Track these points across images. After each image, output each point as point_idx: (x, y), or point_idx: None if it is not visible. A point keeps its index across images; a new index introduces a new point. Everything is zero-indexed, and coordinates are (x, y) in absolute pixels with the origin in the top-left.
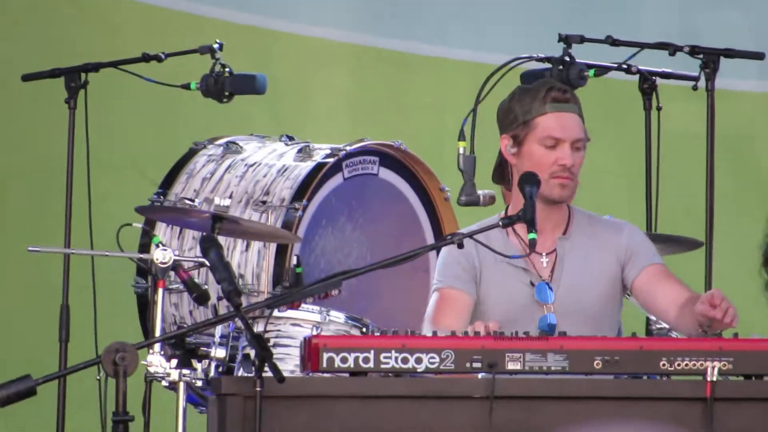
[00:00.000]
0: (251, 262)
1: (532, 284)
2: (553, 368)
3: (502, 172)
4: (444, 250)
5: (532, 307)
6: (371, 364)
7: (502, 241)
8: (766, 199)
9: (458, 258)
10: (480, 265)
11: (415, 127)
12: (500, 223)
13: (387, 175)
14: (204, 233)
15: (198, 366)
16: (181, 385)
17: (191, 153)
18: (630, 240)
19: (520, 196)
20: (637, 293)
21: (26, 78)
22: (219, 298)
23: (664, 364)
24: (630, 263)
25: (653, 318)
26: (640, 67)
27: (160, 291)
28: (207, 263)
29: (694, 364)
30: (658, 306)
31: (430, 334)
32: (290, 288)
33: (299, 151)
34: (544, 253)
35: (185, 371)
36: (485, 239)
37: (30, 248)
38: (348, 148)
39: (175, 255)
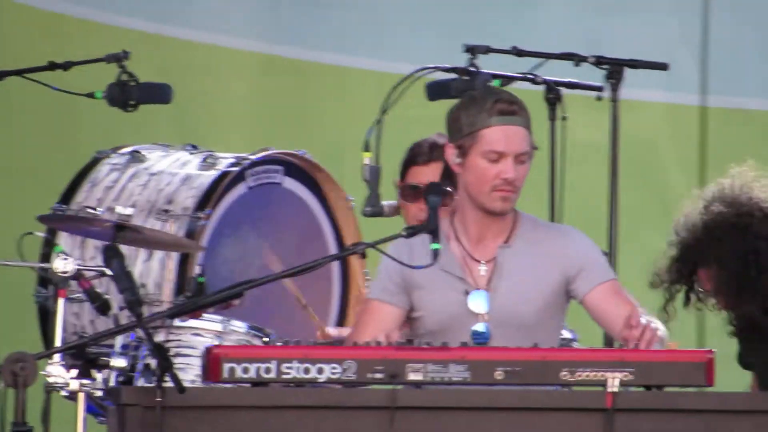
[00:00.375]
0: (153, 271)
1: (467, 293)
2: (454, 379)
3: (449, 178)
4: (382, 261)
5: (467, 316)
6: (273, 375)
7: (442, 248)
8: (669, 209)
9: (389, 269)
10: (411, 274)
11: (319, 136)
12: (404, 233)
13: (291, 184)
14: (106, 243)
15: (98, 376)
16: (81, 396)
17: (94, 162)
18: (579, 253)
19: (466, 202)
20: (588, 308)
21: None
22: (121, 308)
23: (565, 375)
24: (580, 278)
25: None
26: (545, 78)
27: (61, 301)
28: (109, 273)
29: (596, 375)
30: (609, 323)
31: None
32: (192, 298)
33: (203, 160)
34: (483, 261)
35: (85, 381)
36: (424, 245)
37: None
38: (252, 157)
39: (76, 264)
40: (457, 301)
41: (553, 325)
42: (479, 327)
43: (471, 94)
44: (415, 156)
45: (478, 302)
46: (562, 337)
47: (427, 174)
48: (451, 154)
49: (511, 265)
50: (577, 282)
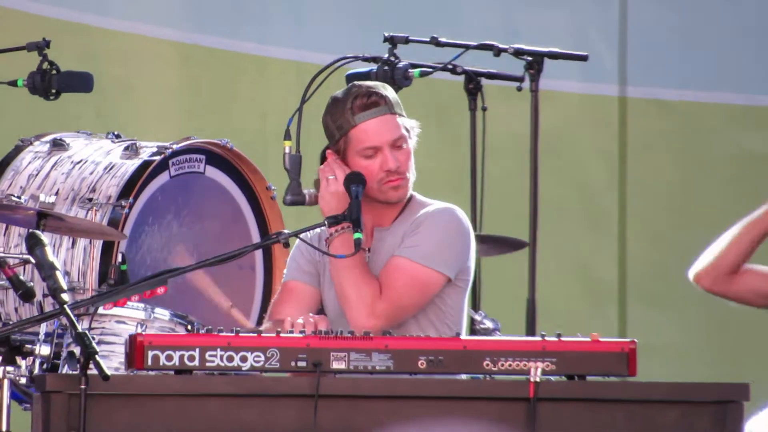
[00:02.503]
0: (77, 259)
1: None
2: (377, 368)
3: None
4: (294, 246)
5: None
6: (196, 362)
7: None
8: (587, 199)
9: (303, 252)
10: (320, 260)
11: (241, 125)
12: (326, 222)
13: (213, 173)
14: (29, 230)
15: (22, 363)
16: (5, 382)
17: (17, 150)
18: (416, 224)
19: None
20: None
21: None
22: (44, 296)
23: (488, 364)
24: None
25: (478, 317)
26: (465, 68)
27: None
28: (32, 260)
29: (518, 365)
30: None
31: (269, 325)
32: (115, 285)
33: (126, 148)
34: (367, 249)
35: (9, 368)
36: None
37: None
38: (174, 146)
39: (0, 251)
40: None
41: (434, 305)
42: None
43: (333, 97)
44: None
45: None
46: (484, 326)
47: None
48: (333, 159)
49: (383, 249)
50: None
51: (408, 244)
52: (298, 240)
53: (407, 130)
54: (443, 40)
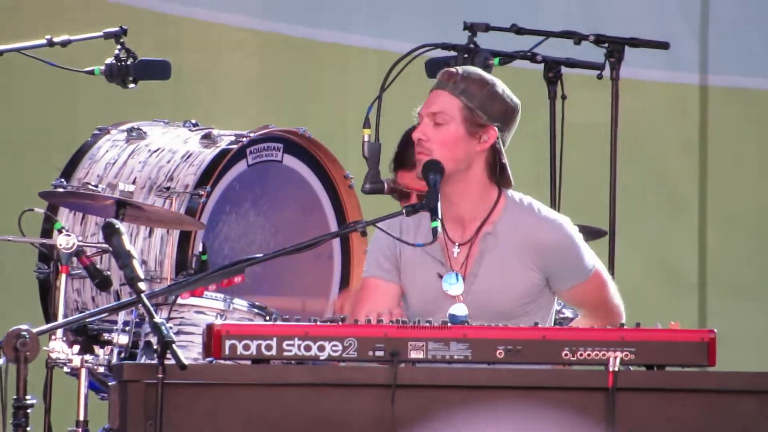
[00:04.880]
0: (154, 248)
1: (440, 276)
2: (455, 357)
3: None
4: (372, 239)
5: (443, 298)
6: (274, 352)
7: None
8: (667, 188)
9: (382, 246)
10: (400, 254)
11: (320, 114)
12: (404, 212)
13: (291, 161)
14: (107, 219)
15: (100, 352)
16: (83, 372)
17: (95, 138)
18: (557, 250)
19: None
20: (568, 303)
21: None
22: (122, 285)
23: (566, 354)
24: (557, 277)
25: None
26: (545, 56)
27: (63, 277)
28: (110, 249)
29: (597, 354)
30: (587, 319)
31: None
32: (194, 275)
33: (203, 137)
34: (457, 243)
35: (87, 357)
36: (418, 227)
37: None
38: (252, 134)
39: (78, 241)
40: (435, 284)
41: (538, 315)
42: (455, 309)
43: None
44: (403, 159)
45: (452, 285)
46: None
47: (414, 179)
48: None
49: (492, 253)
50: (554, 280)
51: (574, 267)
52: (376, 232)
53: (465, 119)
54: (524, 27)
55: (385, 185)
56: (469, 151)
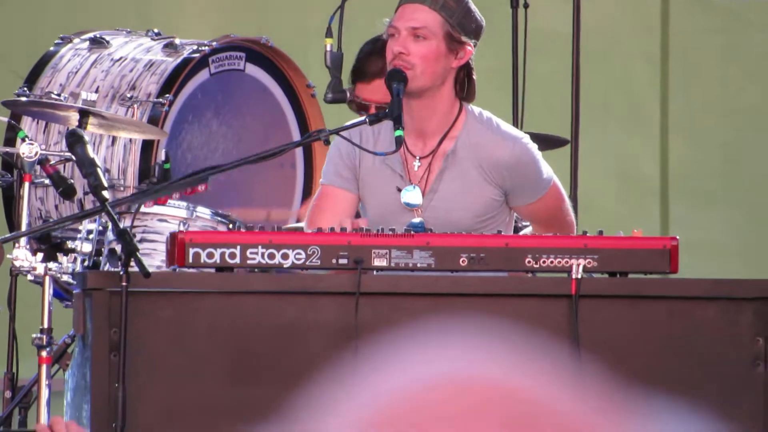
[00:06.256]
0: (117, 156)
1: (399, 189)
2: (419, 265)
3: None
4: (331, 146)
5: (401, 211)
6: (237, 260)
7: (389, 140)
8: (629, 97)
9: (341, 154)
10: (360, 164)
11: (282, 23)
12: (366, 120)
13: (254, 71)
14: (70, 128)
15: (64, 260)
16: (47, 279)
17: (57, 47)
18: (514, 168)
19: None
20: (523, 217)
21: None
22: (85, 193)
23: (529, 261)
24: (514, 193)
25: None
26: None
27: (26, 185)
28: (73, 158)
29: (560, 262)
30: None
31: (309, 231)
32: (157, 183)
33: (165, 46)
34: (418, 157)
35: (51, 265)
36: (377, 137)
37: None
38: (214, 43)
39: (41, 149)
40: (394, 195)
41: (493, 224)
42: (415, 221)
43: None
44: (361, 72)
45: (411, 197)
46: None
47: (373, 91)
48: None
49: (452, 169)
50: (513, 196)
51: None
52: (335, 140)
53: (446, 35)
54: None
55: (348, 94)
56: (446, 67)
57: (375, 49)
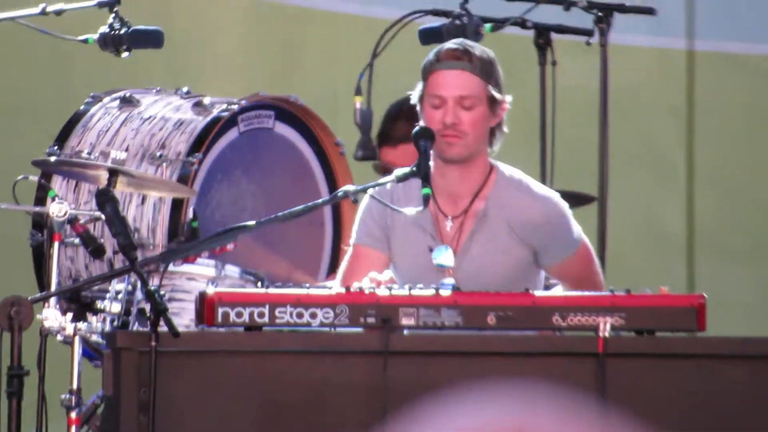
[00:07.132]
0: (147, 216)
1: (431, 249)
2: (446, 323)
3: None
4: (361, 206)
5: (433, 270)
6: (266, 319)
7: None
8: (655, 153)
9: (373, 214)
10: (391, 224)
11: (310, 81)
12: (395, 178)
13: (282, 129)
14: (100, 187)
15: (93, 320)
16: (77, 339)
17: (88, 106)
18: (545, 228)
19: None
20: (554, 277)
21: None
22: (115, 252)
23: (557, 320)
24: (545, 252)
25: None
26: (535, 22)
27: (56, 244)
28: (103, 217)
29: (587, 320)
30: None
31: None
32: (186, 242)
33: (195, 104)
34: (450, 217)
35: (80, 325)
36: (409, 197)
37: None
38: (243, 102)
39: (71, 208)
40: (425, 255)
41: (523, 283)
42: (447, 281)
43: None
44: (387, 136)
45: (442, 257)
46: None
47: (399, 155)
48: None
49: (484, 230)
50: (543, 255)
51: (559, 244)
52: (366, 200)
53: (489, 99)
54: None
55: (377, 152)
56: (489, 128)
57: (401, 113)
